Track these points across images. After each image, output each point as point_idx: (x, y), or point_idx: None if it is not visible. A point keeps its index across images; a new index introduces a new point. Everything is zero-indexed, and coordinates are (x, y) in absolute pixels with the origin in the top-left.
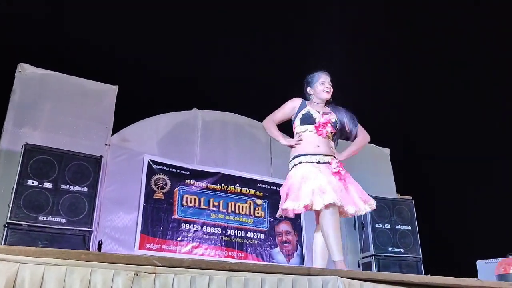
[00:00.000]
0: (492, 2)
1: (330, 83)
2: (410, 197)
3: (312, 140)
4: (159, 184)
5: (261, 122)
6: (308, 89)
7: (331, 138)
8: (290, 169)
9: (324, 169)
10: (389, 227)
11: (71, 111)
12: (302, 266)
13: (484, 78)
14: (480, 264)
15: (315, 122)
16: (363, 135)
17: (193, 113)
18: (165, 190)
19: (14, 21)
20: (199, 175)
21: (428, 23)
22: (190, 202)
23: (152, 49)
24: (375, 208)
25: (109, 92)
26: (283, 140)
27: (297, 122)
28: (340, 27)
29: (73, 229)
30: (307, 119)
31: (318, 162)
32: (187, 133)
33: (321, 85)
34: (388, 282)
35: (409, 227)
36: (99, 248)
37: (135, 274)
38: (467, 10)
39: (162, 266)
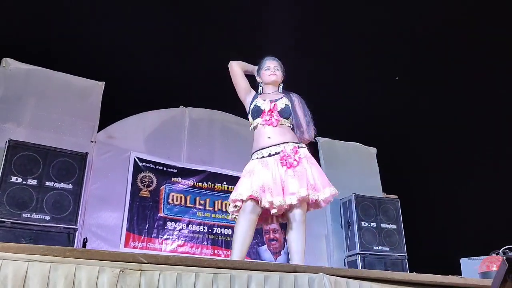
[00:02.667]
0: None
1: (277, 68)
2: (396, 196)
3: (263, 133)
4: (145, 182)
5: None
6: (257, 78)
7: (286, 123)
8: None
9: (270, 162)
10: (374, 225)
11: (56, 107)
12: (289, 263)
13: (472, 77)
14: (464, 262)
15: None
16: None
17: (180, 110)
18: (151, 188)
19: None
20: (185, 173)
21: (421, 18)
22: (176, 200)
23: (139, 46)
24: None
25: (95, 88)
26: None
27: (250, 116)
28: (329, 20)
29: (57, 226)
30: (256, 112)
31: (269, 155)
32: (174, 130)
33: (266, 70)
34: (373, 280)
35: (395, 226)
36: (84, 246)
37: (120, 271)
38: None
39: (147, 263)
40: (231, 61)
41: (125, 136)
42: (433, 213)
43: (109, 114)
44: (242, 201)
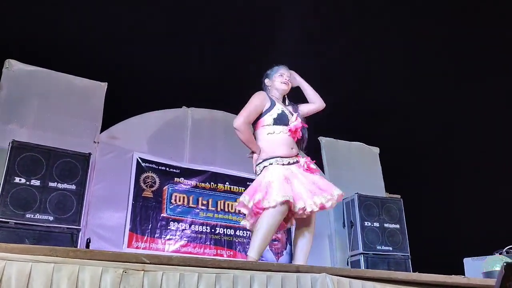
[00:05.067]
0: None
1: (288, 77)
2: (399, 196)
3: (286, 142)
4: (148, 182)
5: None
6: (266, 81)
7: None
8: (259, 172)
9: (295, 169)
10: (377, 225)
11: (59, 108)
12: (291, 263)
13: (475, 77)
14: (467, 261)
15: (288, 124)
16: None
17: (182, 111)
18: (154, 188)
19: (1, 16)
20: (188, 173)
21: (428, 15)
22: (179, 201)
23: (142, 46)
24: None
25: (98, 89)
26: (258, 150)
27: (268, 120)
28: (332, 19)
29: (61, 227)
30: (282, 120)
31: (289, 163)
32: (176, 131)
33: (280, 77)
34: (376, 280)
35: (398, 226)
36: (87, 247)
37: (123, 271)
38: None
39: (150, 263)
40: (238, 125)
41: (128, 137)
42: (436, 213)
43: (112, 115)
44: (283, 202)
